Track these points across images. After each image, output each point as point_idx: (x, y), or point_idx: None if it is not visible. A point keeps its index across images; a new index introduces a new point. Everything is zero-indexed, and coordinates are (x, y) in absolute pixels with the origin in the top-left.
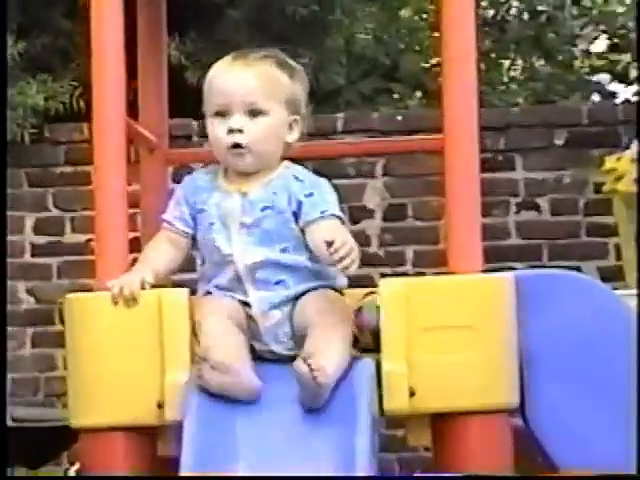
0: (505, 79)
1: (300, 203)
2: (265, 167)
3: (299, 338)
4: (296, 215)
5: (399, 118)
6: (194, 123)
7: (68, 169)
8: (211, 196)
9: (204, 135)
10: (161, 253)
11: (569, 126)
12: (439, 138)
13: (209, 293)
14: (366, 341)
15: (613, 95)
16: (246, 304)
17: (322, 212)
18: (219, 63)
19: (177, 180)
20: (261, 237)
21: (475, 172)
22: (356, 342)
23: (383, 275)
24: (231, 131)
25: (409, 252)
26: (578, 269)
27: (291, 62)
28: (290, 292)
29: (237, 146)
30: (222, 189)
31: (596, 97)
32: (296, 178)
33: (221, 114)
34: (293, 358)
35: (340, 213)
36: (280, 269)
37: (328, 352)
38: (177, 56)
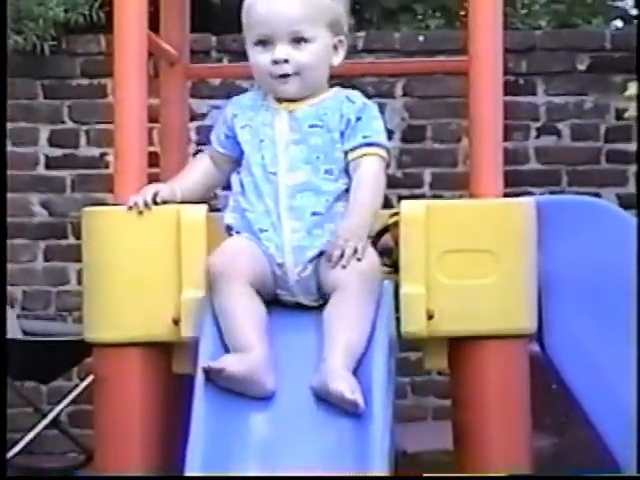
0: (527, 1)
1: (349, 122)
2: (313, 92)
3: (326, 294)
4: (343, 136)
5: (421, 38)
6: (213, 38)
7: (84, 81)
8: (258, 114)
9: (223, 50)
10: (197, 170)
11: (592, 51)
12: (463, 60)
13: (234, 231)
14: (388, 263)
15: (637, 19)
16: (278, 248)
17: (364, 137)
18: None
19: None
20: (307, 154)
21: (499, 94)
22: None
23: (401, 197)
24: (276, 62)
25: (427, 174)
26: (597, 195)
27: None
28: (322, 239)
29: (284, 76)
30: (271, 108)
31: (618, 22)
32: (348, 99)
33: (263, 43)
34: (317, 307)
35: (383, 140)
36: (319, 196)
37: (351, 360)
38: None
